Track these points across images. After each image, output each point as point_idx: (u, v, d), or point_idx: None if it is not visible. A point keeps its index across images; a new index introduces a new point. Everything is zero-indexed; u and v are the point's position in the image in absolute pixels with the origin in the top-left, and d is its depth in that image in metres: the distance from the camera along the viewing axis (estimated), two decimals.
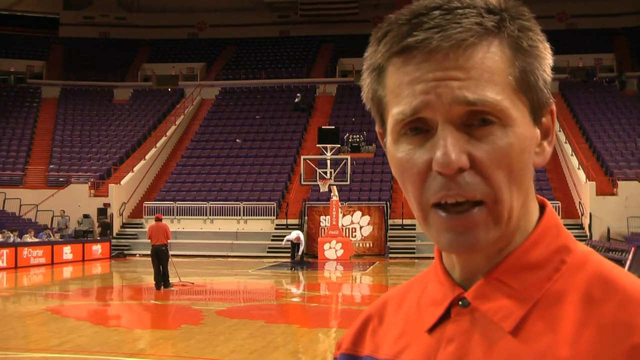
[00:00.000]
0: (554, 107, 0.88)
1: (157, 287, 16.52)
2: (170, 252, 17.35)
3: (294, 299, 16.69)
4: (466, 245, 0.81)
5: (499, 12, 0.81)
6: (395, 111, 0.82)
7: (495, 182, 0.80)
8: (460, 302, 0.86)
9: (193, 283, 18.06)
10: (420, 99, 0.80)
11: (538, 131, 0.85)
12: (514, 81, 0.81)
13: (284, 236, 28.37)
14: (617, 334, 0.77)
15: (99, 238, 29.46)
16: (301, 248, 26.68)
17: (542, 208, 0.89)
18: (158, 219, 17.38)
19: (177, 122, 39.84)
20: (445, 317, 0.87)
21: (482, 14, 0.80)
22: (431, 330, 0.88)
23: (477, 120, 0.80)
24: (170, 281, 16.95)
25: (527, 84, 0.82)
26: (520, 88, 0.82)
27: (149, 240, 16.98)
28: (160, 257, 16.53)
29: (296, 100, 40.67)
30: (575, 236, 0.91)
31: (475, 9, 0.80)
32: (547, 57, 0.85)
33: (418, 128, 0.82)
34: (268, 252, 29.53)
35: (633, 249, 17.76)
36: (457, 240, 0.81)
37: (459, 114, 0.79)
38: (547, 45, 0.86)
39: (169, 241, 16.97)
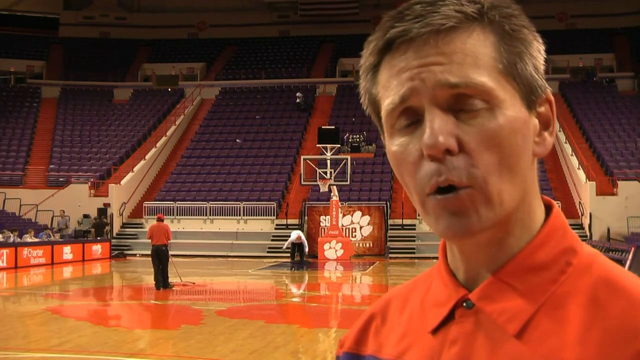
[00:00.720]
0: (551, 97, 0.87)
1: (157, 287, 16.54)
2: (170, 252, 17.37)
3: (294, 299, 16.68)
4: (462, 228, 0.80)
5: (481, 1, 0.82)
6: (386, 102, 0.83)
7: (483, 165, 0.79)
8: (464, 304, 0.85)
9: (194, 283, 18.10)
10: (407, 86, 0.81)
11: (536, 120, 0.85)
12: (500, 65, 0.81)
13: (284, 236, 28.36)
14: (623, 338, 0.76)
15: (98, 238, 29.43)
16: (305, 249, 26.58)
17: (549, 209, 0.88)
18: (159, 219, 17.39)
19: (177, 122, 39.85)
20: (449, 318, 0.86)
21: (463, 2, 0.81)
22: (435, 331, 0.87)
23: (464, 104, 0.80)
24: (171, 281, 16.96)
25: (515, 67, 0.82)
26: (507, 72, 0.81)
27: (150, 240, 16.98)
28: (160, 257, 16.56)
29: (297, 100, 40.64)
30: None
31: None
32: (534, 42, 0.84)
33: (410, 119, 0.82)
34: (268, 252, 29.53)
35: (633, 249, 17.75)
36: (452, 223, 0.80)
37: (444, 98, 0.80)
38: (535, 33, 0.85)
39: (169, 241, 16.98)
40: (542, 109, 0.86)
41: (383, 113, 0.84)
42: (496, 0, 0.83)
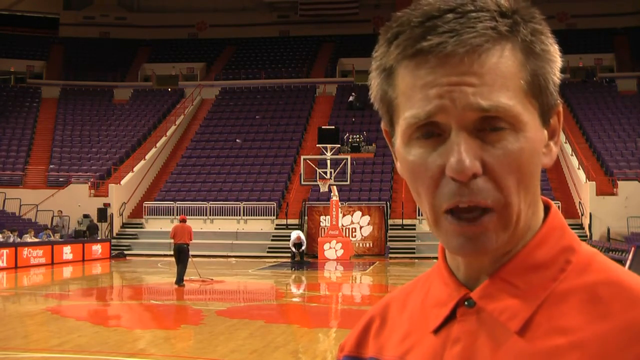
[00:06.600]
0: (560, 108, 0.88)
1: (177, 282, 17.19)
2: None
3: (294, 299, 16.68)
4: (476, 249, 0.81)
5: (511, 14, 0.81)
6: (408, 114, 0.82)
7: (505, 188, 0.80)
8: (466, 303, 0.85)
9: (212, 279, 18.82)
10: (435, 104, 0.79)
11: (546, 132, 0.86)
12: (526, 85, 0.81)
13: (284, 236, 28.36)
14: (624, 334, 0.77)
15: (97, 238, 29.44)
16: (302, 247, 26.66)
17: (547, 209, 0.89)
18: (183, 220, 17.94)
19: (177, 122, 39.85)
20: (451, 317, 0.86)
21: (496, 17, 0.80)
22: (437, 330, 0.87)
23: (489, 126, 0.80)
24: (189, 278, 17.68)
25: (538, 87, 0.82)
26: (531, 92, 0.82)
27: (172, 239, 17.56)
28: (181, 255, 17.16)
29: (350, 98, 40.10)
30: None
31: (488, 12, 0.80)
32: (557, 61, 0.85)
33: (430, 131, 0.81)
34: (268, 252, 29.53)
35: (633, 249, 17.76)
36: (467, 245, 0.81)
37: (472, 120, 0.79)
38: (557, 47, 0.86)
39: (191, 241, 17.61)
40: (551, 120, 0.87)
41: (402, 123, 0.83)
42: (524, 10, 0.82)
